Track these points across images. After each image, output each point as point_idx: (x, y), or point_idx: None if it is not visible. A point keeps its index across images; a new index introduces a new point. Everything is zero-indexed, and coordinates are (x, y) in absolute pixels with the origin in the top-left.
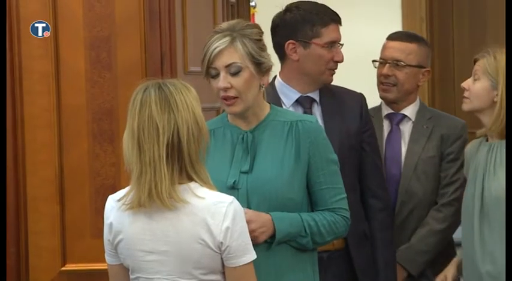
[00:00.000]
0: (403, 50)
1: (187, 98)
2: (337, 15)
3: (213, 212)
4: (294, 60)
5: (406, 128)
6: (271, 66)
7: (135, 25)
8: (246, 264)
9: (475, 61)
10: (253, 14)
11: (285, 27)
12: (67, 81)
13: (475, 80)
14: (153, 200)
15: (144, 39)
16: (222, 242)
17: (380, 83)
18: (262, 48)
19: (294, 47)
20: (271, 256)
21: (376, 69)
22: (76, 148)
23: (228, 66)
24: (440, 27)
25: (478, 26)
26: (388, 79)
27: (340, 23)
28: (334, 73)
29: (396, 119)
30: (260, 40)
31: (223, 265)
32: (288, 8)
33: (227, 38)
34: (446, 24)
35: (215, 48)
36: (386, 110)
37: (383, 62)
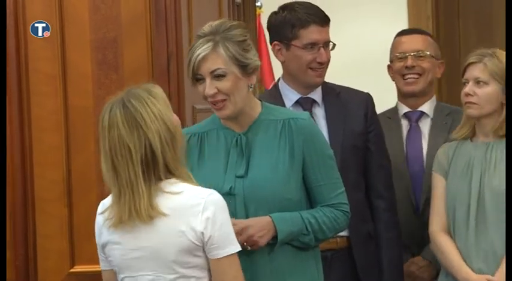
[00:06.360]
0: (422, 42)
1: (154, 108)
2: (322, 16)
3: (192, 205)
4: (281, 61)
5: (425, 125)
6: (258, 65)
7: (141, 26)
8: (230, 255)
9: (468, 65)
10: (259, 15)
11: (271, 29)
12: (74, 83)
13: (479, 84)
14: (133, 219)
15: (150, 40)
16: (203, 233)
17: (402, 77)
18: (247, 48)
19: (279, 49)
20: (274, 260)
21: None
22: (83, 149)
23: (212, 72)
24: (446, 26)
25: (484, 24)
26: (413, 70)
27: (324, 25)
28: (321, 74)
29: (415, 116)
30: (244, 41)
31: (207, 262)
32: (277, 10)
33: (210, 44)
34: (452, 23)
35: (198, 55)
36: (403, 109)
37: (403, 56)
